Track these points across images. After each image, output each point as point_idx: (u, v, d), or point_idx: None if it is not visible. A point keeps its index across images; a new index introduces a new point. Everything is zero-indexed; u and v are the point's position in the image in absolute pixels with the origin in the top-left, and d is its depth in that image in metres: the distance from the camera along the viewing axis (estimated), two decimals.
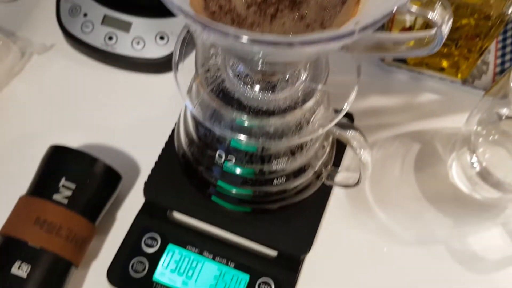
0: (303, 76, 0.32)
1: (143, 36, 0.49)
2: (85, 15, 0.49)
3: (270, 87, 0.31)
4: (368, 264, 0.43)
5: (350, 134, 0.34)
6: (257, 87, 0.31)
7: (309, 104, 0.32)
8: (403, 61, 0.52)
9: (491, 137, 0.46)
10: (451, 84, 0.51)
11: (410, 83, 0.52)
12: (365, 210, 0.46)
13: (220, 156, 0.36)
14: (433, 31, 0.25)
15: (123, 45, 0.49)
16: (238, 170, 0.36)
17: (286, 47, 0.21)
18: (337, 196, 0.46)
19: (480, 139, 0.45)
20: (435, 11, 0.24)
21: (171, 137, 0.45)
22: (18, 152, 0.47)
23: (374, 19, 0.21)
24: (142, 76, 0.51)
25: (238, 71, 0.32)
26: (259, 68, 0.29)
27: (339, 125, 0.33)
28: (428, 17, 0.24)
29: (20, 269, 0.36)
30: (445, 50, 0.50)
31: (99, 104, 0.50)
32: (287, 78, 0.31)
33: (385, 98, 0.51)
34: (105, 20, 0.49)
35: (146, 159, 0.46)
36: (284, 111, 0.31)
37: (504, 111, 0.44)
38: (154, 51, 0.49)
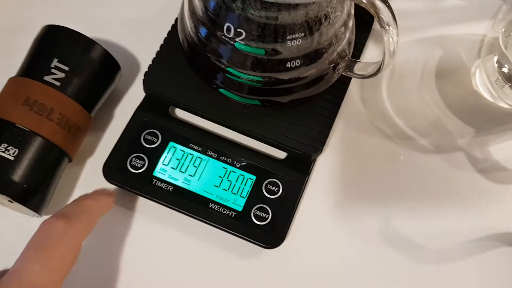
0: None
1: None
2: None
3: None
4: (382, 171, 0.41)
5: (380, 3, 0.30)
6: None
7: None
8: None
9: None
10: None
11: None
12: (382, 116, 0.42)
13: (229, 30, 0.32)
14: None
15: None
16: (249, 49, 0.33)
17: None
18: (352, 101, 0.43)
19: (508, 44, 0.42)
20: None
21: (173, 26, 0.41)
22: (8, 38, 0.43)
23: None
24: None
25: None
26: None
27: None
28: None
29: (7, 152, 0.33)
30: None
31: None
32: None
33: (404, 0, 0.47)
34: None
35: (147, 55, 0.42)
36: None
37: None
38: None
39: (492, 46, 0.42)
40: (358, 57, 0.42)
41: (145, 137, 0.39)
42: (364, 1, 0.30)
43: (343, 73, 0.38)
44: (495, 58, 0.42)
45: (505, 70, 0.41)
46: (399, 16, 0.47)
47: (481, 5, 0.47)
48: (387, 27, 0.30)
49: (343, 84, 0.40)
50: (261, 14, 0.31)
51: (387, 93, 0.43)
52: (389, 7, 0.30)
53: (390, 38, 0.31)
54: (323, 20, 0.32)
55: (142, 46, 0.43)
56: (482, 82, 0.44)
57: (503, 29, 0.41)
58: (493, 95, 0.43)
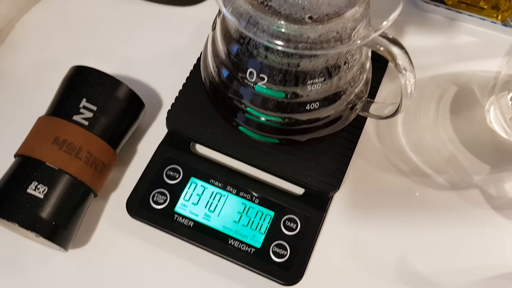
0: None
1: None
2: None
3: None
4: (399, 207, 0.41)
5: (396, 50, 0.31)
6: None
7: (352, 11, 0.29)
8: (441, 0, 0.50)
9: None
10: (491, 25, 0.48)
11: (448, 23, 0.49)
12: (398, 152, 0.43)
13: (251, 74, 0.33)
14: None
15: None
16: (270, 92, 0.34)
17: None
18: (368, 138, 0.44)
19: None
20: None
21: (196, 66, 0.42)
22: (37, 77, 0.45)
23: None
24: (168, 8, 0.49)
25: None
26: None
27: (386, 38, 0.31)
28: None
29: (37, 190, 0.34)
30: None
31: (123, 36, 0.48)
32: None
33: (421, 37, 0.48)
34: None
35: (169, 92, 0.43)
36: (326, 17, 0.29)
37: None
38: None
39: (506, 83, 0.43)
40: (374, 95, 0.43)
41: (167, 173, 0.41)
42: (381, 49, 0.31)
43: (360, 113, 0.39)
44: (510, 95, 0.43)
45: None
46: (414, 53, 0.48)
47: (494, 42, 0.48)
48: (404, 72, 0.32)
49: (359, 122, 0.41)
50: (283, 61, 0.32)
51: (403, 129, 0.44)
52: (405, 52, 0.31)
53: (407, 81, 0.32)
54: (342, 65, 0.34)
55: (165, 83, 0.45)
56: (496, 119, 0.45)
57: None
58: (507, 132, 0.44)
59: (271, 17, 0.29)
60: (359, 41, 0.30)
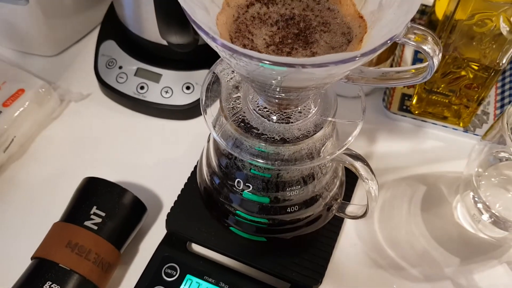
0: (314, 110, 0.36)
1: (171, 86, 0.54)
2: (120, 67, 0.55)
3: (284, 118, 0.35)
4: None
5: (358, 164, 0.37)
6: (273, 118, 0.35)
7: (320, 134, 0.36)
8: (407, 110, 0.57)
9: (492, 179, 0.49)
10: (453, 131, 0.55)
11: (415, 130, 0.56)
12: (376, 248, 0.48)
13: (239, 183, 0.39)
14: (426, 63, 0.30)
15: (153, 94, 0.54)
16: (255, 198, 0.40)
17: (300, 68, 0.25)
18: (347, 234, 0.48)
19: (482, 181, 0.48)
20: (429, 45, 0.28)
21: (193, 173, 0.48)
22: (53, 185, 0.51)
23: (373, 47, 0.26)
24: (168, 122, 0.56)
25: (256, 104, 0.36)
26: (275, 99, 0.34)
27: (349, 155, 0.37)
28: (423, 47, 0.28)
29: None
30: (447, 100, 0.54)
31: (128, 146, 0.54)
32: (299, 110, 0.36)
33: (391, 143, 0.55)
34: (138, 72, 0.55)
35: (169, 196, 0.49)
36: (297, 139, 0.35)
37: (502, 154, 0.48)
38: (181, 99, 0.54)
39: (468, 183, 0.49)
40: (350, 197, 0.49)
41: (165, 270, 0.45)
42: (347, 163, 0.37)
43: (336, 214, 0.44)
44: (471, 194, 0.48)
45: (479, 206, 0.47)
46: (385, 157, 0.55)
47: (457, 145, 0.55)
48: (366, 181, 0.37)
49: (338, 221, 0.46)
50: (265, 173, 0.38)
51: (379, 226, 0.49)
52: (367, 165, 0.37)
53: (371, 188, 0.38)
54: (316, 174, 0.40)
55: (165, 188, 0.51)
56: (463, 215, 0.50)
57: (476, 169, 0.48)
58: (473, 227, 0.49)
59: (252, 139, 0.35)
60: (327, 157, 0.36)
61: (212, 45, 0.27)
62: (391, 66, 0.59)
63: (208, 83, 0.38)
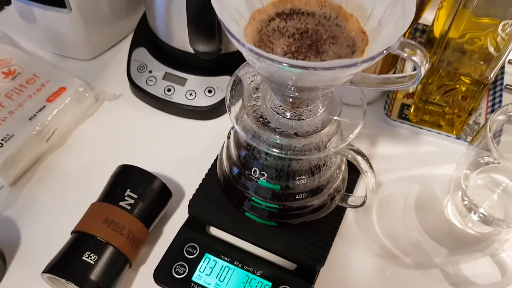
0: (322, 110, 0.43)
1: (195, 89, 0.61)
2: (150, 71, 0.62)
3: (297, 115, 0.42)
4: (373, 283, 0.51)
5: (359, 158, 0.43)
6: (287, 115, 0.42)
7: (326, 130, 0.42)
8: (406, 118, 0.63)
9: (479, 181, 0.54)
10: (446, 138, 0.61)
11: (412, 136, 0.62)
12: (373, 238, 0.54)
13: (255, 172, 0.45)
14: (415, 72, 0.36)
15: (179, 96, 0.61)
16: (268, 185, 0.46)
17: (312, 70, 0.31)
18: (348, 224, 0.54)
19: (470, 183, 0.54)
20: (418, 56, 0.35)
21: (213, 165, 0.55)
22: (87, 173, 0.57)
23: (372, 56, 0.32)
24: (191, 121, 0.62)
25: (273, 103, 0.42)
26: (290, 98, 0.40)
27: (352, 149, 0.43)
28: (413, 58, 0.35)
29: (89, 258, 0.45)
30: (441, 109, 0.60)
31: (156, 141, 0.61)
32: (310, 109, 0.42)
33: (391, 147, 0.61)
34: (166, 76, 0.62)
35: (190, 185, 0.55)
36: (307, 133, 0.42)
37: (487, 159, 0.54)
38: (203, 101, 0.60)
39: (457, 184, 0.54)
40: (352, 191, 0.55)
41: (187, 249, 0.51)
42: (349, 156, 0.43)
43: (339, 204, 0.50)
44: (459, 194, 0.54)
45: (465, 203, 0.53)
46: (385, 159, 0.61)
47: (450, 151, 0.61)
48: (366, 174, 0.43)
49: (340, 211, 0.52)
50: (278, 163, 0.44)
51: (377, 219, 0.55)
52: (366, 160, 0.43)
53: (369, 180, 0.44)
54: (322, 166, 0.46)
55: (188, 178, 0.57)
56: (452, 212, 0.55)
57: (464, 171, 0.54)
58: (461, 223, 0.54)
59: (269, 133, 0.41)
60: (332, 149, 0.43)
61: (242, 50, 0.33)
62: (394, 73, 0.65)
63: (232, 85, 0.45)
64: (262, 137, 0.42)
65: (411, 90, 0.66)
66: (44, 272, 0.45)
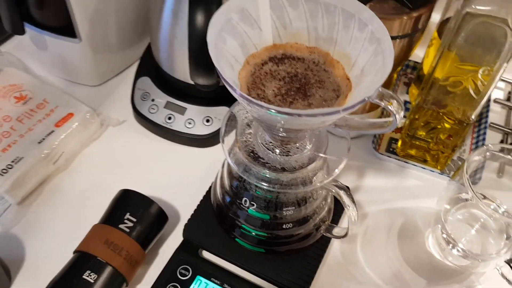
0: (309, 146, 0.46)
1: (194, 118, 0.65)
2: (153, 100, 0.66)
3: (285, 151, 0.45)
4: None
5: (342, 193, 0.47)
6: (276, 151, 0.45)
7: (312, 166, 0.46)
8: (393, 152, 0.66)
9: (458, 216, 0.58)
10: (430, 173, 0.64)
11: (399, 169, 0.65)
12: (356, 266, 0.57)
13: (245, 202, 0.49)
14: (392, 119, 0.40)
15: (179, 124, 0.64)
16: (258, 215, 0.49)
17: (297, 116, 0.35)
18: (333, 252, 0.57)
19: (449, 217, 0.57)
20: (393, 106, 0.38)
21: (207, 192, 0.58)
22: (90, 194, 0.61)
23: (352, 104, 0.36)
24: (190, 149, 0.66)
25: (264, 139, 0.46)
26: (279, 136, 0.44)
27: (336, 185, 0.46)
28: (389, 107, 0.38)
29: (89, 276, 0.48)
30: (427, 145, 0.64)
31: (155, 166, 0.64)
32: (297, 146, 0.46)
33: (377, 180, 0.64)
34: (167, 105, 0.65)
35: (186, 210, 0.59)
36: (294, 169, 0.45)
37: (465, 195, 0.57)
38: (202, 130, 0.64)
39: (437, 218, 0.58)
40: (337, 221, 0.58)
41: (180, 271, 0.54)
42: (333, 191, 0.47)
43: (323, 233, 0.53)
44: (439, 227, 0.57)
45: (444, 236, 0.56)
46: (370, 190, 0.64)
47: (433, 185, 0.64)
48: (348, 207, 0.47)
49: (326, 241, 0.55)
50: (266, 194, 0.48)
51: (361, 248, 0.58)
52: (349, 195, 0.47)
53: (351, 214, 0.47)
54: (308, 198, 0.49)
55: (183, 203, 0.60)
56: (433, 244, 0.58)
57: (445, 206, 0.57)
58: (440, 255, 0.57)
59: (259, 167, 0.45)
60: (318, 184, 0.46)
61: (234, 95, 0.37)
62: (382, 113, 0.69)
63: (227, 119, 0.49)
64: (252, 171, 0.46)
65: (399, 125, 0.70)
66: None
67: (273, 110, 0.35)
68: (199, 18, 0.52)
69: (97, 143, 0.66)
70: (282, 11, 0.43)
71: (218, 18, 0.40)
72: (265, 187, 0.45)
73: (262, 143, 0.46)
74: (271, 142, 0.46)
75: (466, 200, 0.57)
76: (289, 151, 0.46)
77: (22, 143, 0.59)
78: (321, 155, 0.46)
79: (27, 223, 0.58)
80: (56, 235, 0.57)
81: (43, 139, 0.60)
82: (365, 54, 0.41)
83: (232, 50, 0.41)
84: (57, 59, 0.70)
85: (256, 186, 0.48)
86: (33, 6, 0.64)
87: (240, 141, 0.47)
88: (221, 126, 0.48)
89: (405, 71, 0.76)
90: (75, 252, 0.51)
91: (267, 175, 0.45)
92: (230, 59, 0.41)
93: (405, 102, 0.73)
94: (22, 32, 0.63)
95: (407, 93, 0.74)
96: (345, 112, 0.36)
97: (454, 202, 0.57)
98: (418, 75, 0.73)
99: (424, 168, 0.64)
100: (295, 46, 0.44)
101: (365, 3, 0.53)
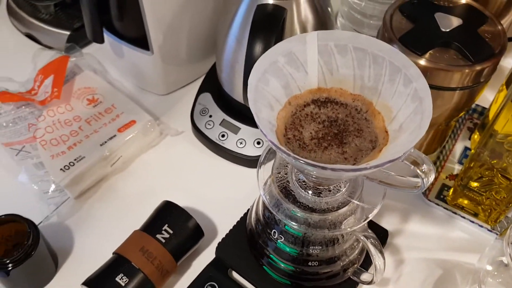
0: (343, 189, 0.46)
1: (245, 139, 0.67)
2: (210, 116, 0.69)
3: (317, 192, 0.46)
4: None
5: (370, 241, 0.46)
6: (309, 191, 0.46)
7: (342, 210, 0.46)
8: (444, 200, 0.64)
9: (498, 279, 0.55)
10: (479, 227, 0.61)
11: (445, 218, 0.63)
12: None
13: (274, 233, 0.50)
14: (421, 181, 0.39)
15: (231, 143, 0.67)
16: (286, 248, 0.50)
17: (322, 169, 0.36)
18: None
19: (489, 279, 0.54)
20: (423, 169, 0.38)
21: (245, 214, 0.60)
22: (141, 198, 0.65)
23: (381, 162, 0.36)
24: (238, 167, 0.68)
25: (298, 177, 0.47)
26: (311, 178, 0.44)
27: (362, 233, 0.46)
28: (417, 170, 0.38)
29: (122, 280, 0.52)
30: (480, 198, 0.61)
31: (203, 180, 0.67)
32: (330, 189, 0.46)
33: (421, 226, 0.62)
34: (223, 123, 0.68)
35: (223, 228, 0.61)
36: (324, 211, 0.46)
37: (505, 259, 0.54)
38: (252, 150, 0.66)
39: (476, 277, 0.55)
40: (370, 263, 0.57)
41: (207, 287, 0.56)
42: (361, 238, 0.46)
43: (351, 276, 0.53)
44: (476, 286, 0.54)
45: None
46: (414, 236, 0.62)
47: (480, 241, 0.61)
48: (373, 257, 0.46)
49: (354, 282, 0.55)
50: (294, 232, 0.48)
51: None
52: (376, 244, 0.46)
53: (377, 263, 0.47)
54: (337, 240, 0.49)
55: (221, 221, 0.63)
56: None
57: (486, 266, 0.54)
58: None
59: (289, 204, 0.46)
60: (346, 229, 0.46)
61: (264, 138, 0.38)
62: (438, 157, 0.67)
63: (266, 152, 0.50)
64: (283, 206, 0.47)
65: (455, 171, 0.67)
66: (83, 283, 0.52)
67: (301, 161, 0.36)
68: (257, 48, 0.54)
69: (155, 149, 0.70)
70: (330, 57, 0.44)
71: (263, 61, 0.41)
72: (292, 225, 0.46)
73: (296, 181, 0.47)
74: (304, 182, 0.47)
75: (506, 265, 0.54)
76: (320, 193, 0.46)
77: (87, 143, 0.65)
78: (353, 200, 0.46)
79: (80, 217, 0.63)
80: (103, 233, 0.62)
81: (105, 142, 0.65)
82: (406, 110, 0.41)
83: (274, 91, 0.42)
84: (131, 66, 0.75)
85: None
86: (115, 17, 0.70)
87: (276, 175, 0.48)
88: (259, 158, 0.50)
89: (471, 115, 0.73)
90: (114, 253, 0.55)
91: (298, 214, 0.46)
92: (270, 99, 0.42)
93: (465, 149, 0.70)
94: (101, 41, 0.69)
95: (470, 138, 0.71)
96: (373, 169, 0.36)
97: (497, 262, 0.54)
98: (483, 123, 0.69)
99: (473, 222, 0.62)
100: (339, 91, 0.45)
101: (425, 51, 0.53)
